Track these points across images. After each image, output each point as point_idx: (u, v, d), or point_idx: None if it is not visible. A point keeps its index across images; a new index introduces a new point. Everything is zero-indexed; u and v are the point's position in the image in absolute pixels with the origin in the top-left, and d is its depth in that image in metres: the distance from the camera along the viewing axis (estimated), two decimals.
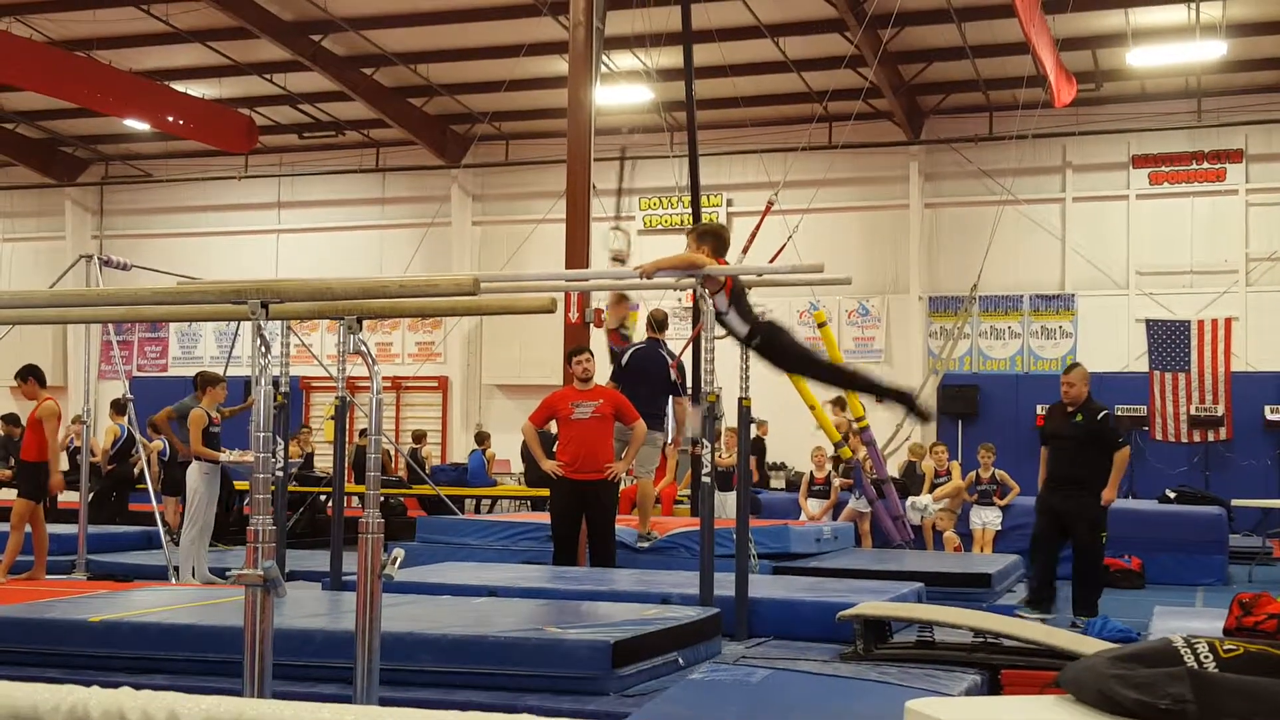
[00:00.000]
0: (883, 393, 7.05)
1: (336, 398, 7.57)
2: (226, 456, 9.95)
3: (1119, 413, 17.29)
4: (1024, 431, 16.46)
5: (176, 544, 9.81)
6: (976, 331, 18.86)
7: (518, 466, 17.94)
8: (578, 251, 10.94)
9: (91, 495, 11.51)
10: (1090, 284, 18.35)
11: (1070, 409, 8.67)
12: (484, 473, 17.11)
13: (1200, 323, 17.68)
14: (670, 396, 9.39)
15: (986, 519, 12.62)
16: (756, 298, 7.07)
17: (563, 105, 11.58)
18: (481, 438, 17.94)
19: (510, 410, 19.43)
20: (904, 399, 6.96)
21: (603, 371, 9.10)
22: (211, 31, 17.00)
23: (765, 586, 7.15)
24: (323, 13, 16.53)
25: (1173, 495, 13.37)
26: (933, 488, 13.12)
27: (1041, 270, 18.59)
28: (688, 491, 12.73)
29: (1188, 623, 6.65)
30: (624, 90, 17.29)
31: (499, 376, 20.55)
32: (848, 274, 7.75)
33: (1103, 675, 3.22)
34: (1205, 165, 18.00)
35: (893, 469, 14.21)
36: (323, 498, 14.56)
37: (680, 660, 5.41)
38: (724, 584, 6.48)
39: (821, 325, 12.78)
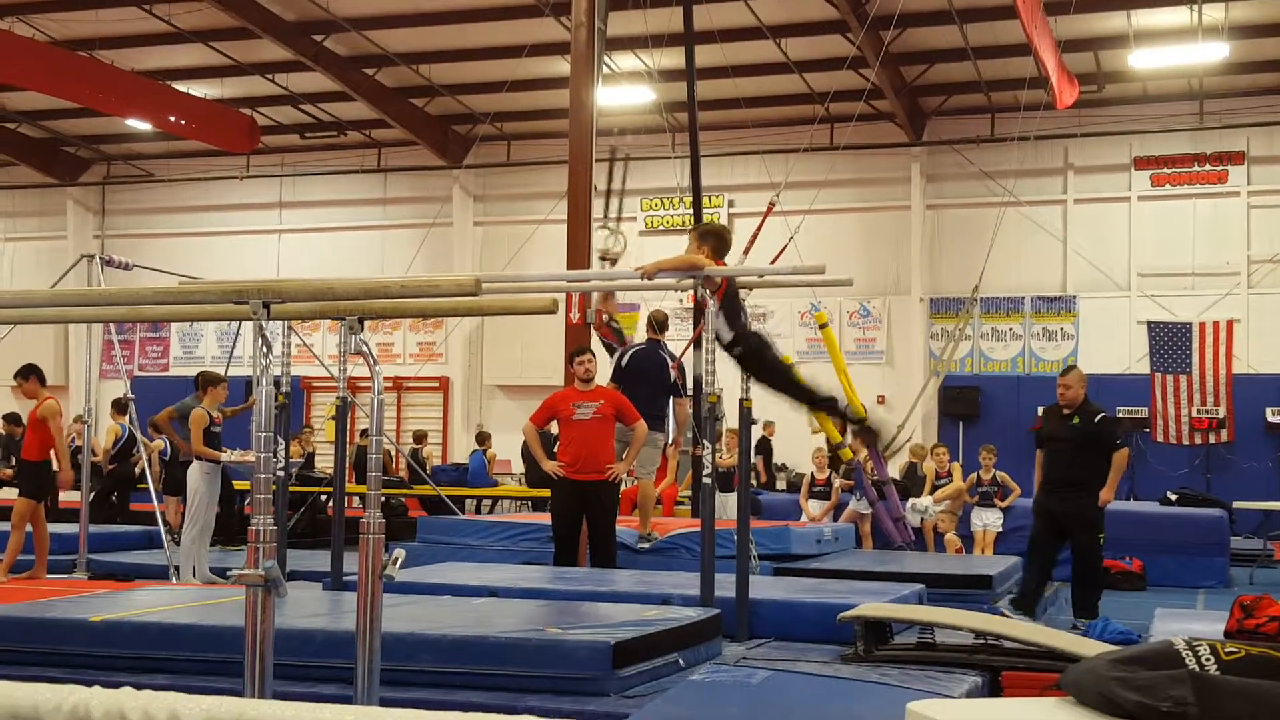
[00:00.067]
0: (843, 419, 7.12)
1: (338, 398, 7.57)
2: (228, 456, 9.95)
3: (1120, 414, 17.33)
4: (1025, 433, 16.42)
5: (177, 544, 9.81)
6: (978, 333, 18.86)
7: (518, 467, 17.95)
8: (579, 252, 10.93)
9: (92, 495, 11.51)
10: (1092, 286, 18.35)
11: (1067, 411, 8.65)
12: (485, 473, 17.11)
13: (1202, 325, 17.68)
14: (670, 397, 9.39)
15: (987, 521, 12.62)
16: (758, 299, 7.10)
17: (564, 106, 11.57)
18: (482, 438, 17.94)
19: (511, 411, 19.43)
20: (858, 425, 7.07)
21: (603, 372, 9.10)
22: (213, 31, 17.00)
23: (766, 588, 7.15)
24: (325, 13, 16.54)
25: (1174, 497, 13.37)
26: (934, 489, 13.12)
27: (1043, 272, 18.59)
28: (688, 492, 12.73)
29: (1189, 625, 6.65)
30: (626, 91, 17.29)
31: (500, 377, 20.55)
32: (849, 275, 7.73)
33: (1104, 677, 3.22)
34: (1207, 167, 17.99)
35: (894, 470, 14.22)
36: (323, 498, 14.55)
37: (681, 661, 5.41)
38: (724, 585, 6.48)
39: (823, 326, 12.79)
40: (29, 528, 9.35)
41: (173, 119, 18.07)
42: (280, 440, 7.40)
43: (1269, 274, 17.71)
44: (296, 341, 9.01)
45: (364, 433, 16.61)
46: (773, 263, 13.43)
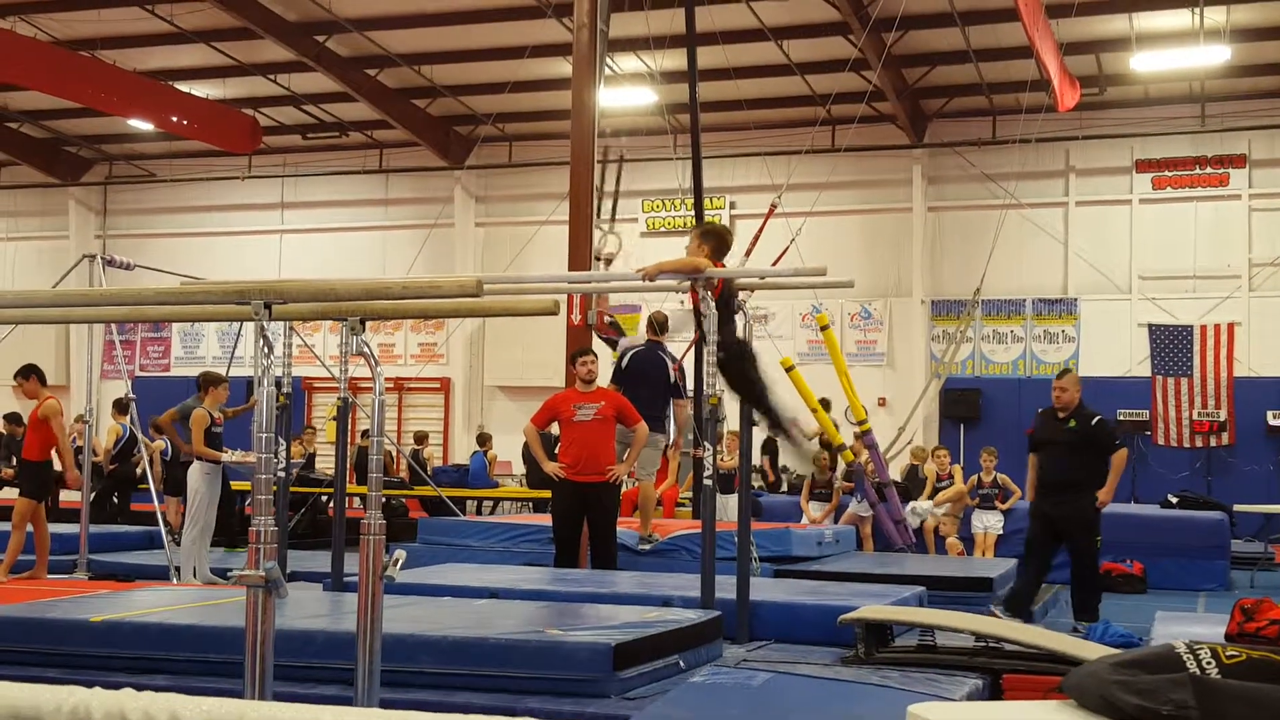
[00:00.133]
0: (790, 440, 7.24)
1: (339, 399, 7.58)
2: (228, 457, 9.96)
3: (1121, 417, 17.32)
4: (1026, 436, 16.43)
5: (178, 544, 9.82)
6: (979, 335, 18.85)
7: (519, 468, 17.95)
8: (581, 254, 10.93)
9: (93, 495, 11.51)
10: (1093, 288, 18.34)
11: (1062, 415, 8.64)
12: (485, 474, 17.12)
13: (1203, 328, 17.67)
14: (670, 399, 9.39)
15: (988, 523, 12.61)
16: (760, 300, 7.11)
17: (566, 107, 11.57)
18: (483, 439, 17.95)
19: (512, 412, 19.42)
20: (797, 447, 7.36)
21: (604, 374, 9.10)
22: (216, 32, 17.01)
23: (766, 590, 7.15)
24: (327, 13, 16.55)
25: (1175, 500, 13.37)
26: (934, 491, 13.12)
27: (1044, 274, 18.59)
28: (689, 494, 12.73)
29: (1189, 628, 6.65)
30: (627, 92, 17.30)
31: (501, 378, 20.55)
32: (850, 277, 7.73)
33: (1105, 681, 3.22)
34: (1208, 170, 17.98)
35: (895, 473, 14.22)
36: (324, 498, 14.55)
37: (681, 663, 5.41)
38: (725, 587, 6.48)
39: (824, 328, 12.78)
40: (30, 528, 9.35)
41: (175, 119, 18.08)
42: (281, 441, 7.41)
43: (1270, 277, 17.70)
44: (298, 342, 9.02)
45: (365, 433, 16.62)
46: (774, 264, 13.47)
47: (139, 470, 13.13)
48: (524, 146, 20.66)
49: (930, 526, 12.83)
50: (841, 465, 12.93)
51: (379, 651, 4.10)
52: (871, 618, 5.97)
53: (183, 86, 18.52)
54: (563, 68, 15.19)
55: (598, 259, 17.56)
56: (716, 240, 6.94)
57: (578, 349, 8.99)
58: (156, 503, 10.99)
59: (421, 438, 18.39)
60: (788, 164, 17.00)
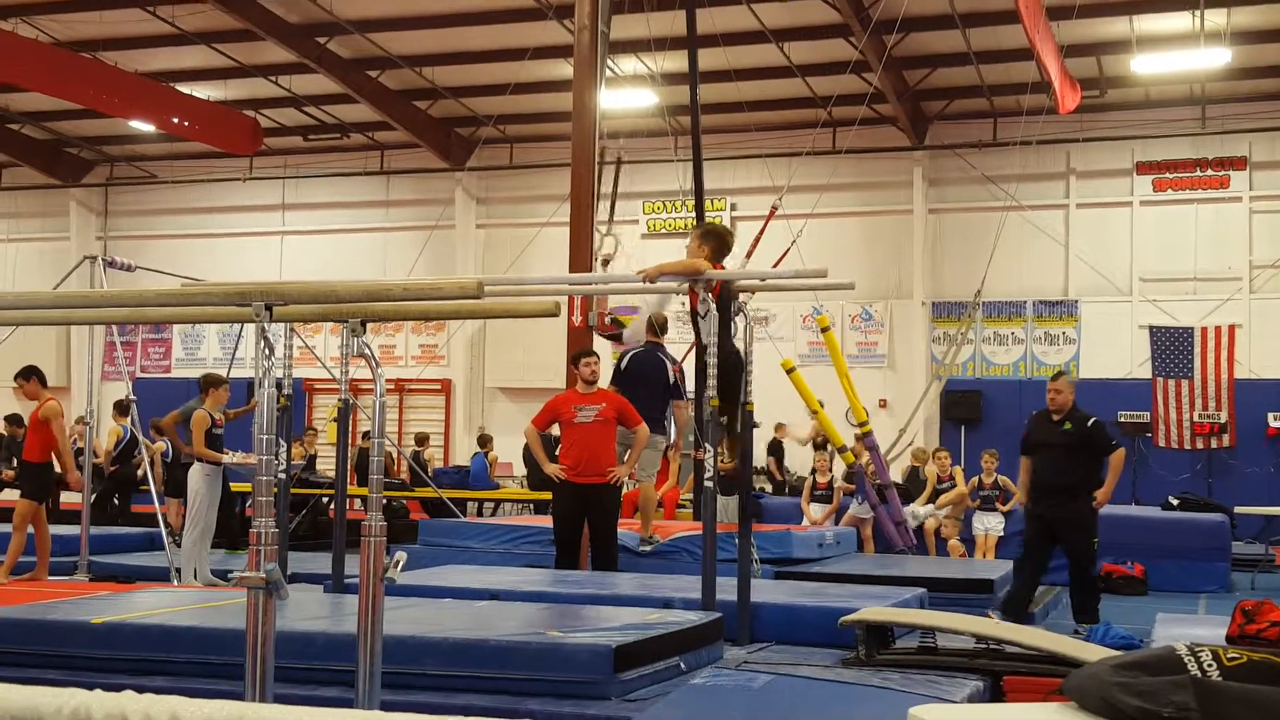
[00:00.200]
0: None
1: (339, 400, 7.58)
2: (229, 459, 9.96)
3: (1122, 419, 17.34)
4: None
5: (179, 546, 9.82)
6: (980, 337, 18.85)
7: (520, 470, 17.95)
8: (581, 255, 10.92)
9: (94, 497, 11.51)
10: (1094, 290, 18.34)
11: (1057, 417, 8.61)
12: (486, 476, 17.12)
13: (1204, 330, 17.68)
14: (670, 400, 9.39)
15: (989, 525, 12.60)
16: (761, 302, 7.12)
17: (567, 109, 11.57)
18: (484, 440, 17.95)
19: (513, 413, 19.43)
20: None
21: (604, 375, 9.09)
22: (217, 33, 17.02)
23: (767, 591, 7.15)
24: (328, 15, 16.56)
25: (1175, 502, 13.36)
26: (935, 493, 13.11)
27: (1045, 276, 18.59)
28: (690, 496, 12.72)
29: (1190, 630, 6.65)
30: (628, 94, 17.30)
31: (502, 379, 20.55)
32: (851, 279, 7.73)
33: (1106, 683, 3.22)
34: (1209, 172, 17.99)
35: (896, 474, 14.21)
36: (325, 500, 14.55)
37: (682, 665, 5.41)
38: (726, 589, 6.48)
39: (825, 330, 12.79)
40: (30, 529, 9.35)
41: (176, 120, 18.09)
42: (282, 442, 7.41)
43: (1271, 279, 17.70)
44: (299, 344, 9.02)
45: (366, 435, 16.62)
46: (775, 266, 13.47)
47: (140, 472, 13.13)
48: (525, 148, 20.67)
49: (931, 528, 12.83)
50: (842, 467, 12.93)
51: (380, 653, 4.10)
52: (872, 619, 5.96)
53: (184, 88, 18.53)
54: (564, 69, 15.20)
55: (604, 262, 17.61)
56: (717, 241, 6.94)
57: (581, 350, 8.98)
58: (157, 504, 10.98)
59: (422, 439, 18.39)
60: (788, 166, 17.01)
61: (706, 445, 6.57)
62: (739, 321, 6.89)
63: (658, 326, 9.49)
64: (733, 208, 19.38)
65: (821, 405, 14.29)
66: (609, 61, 12.74)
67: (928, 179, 18.99)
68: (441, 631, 5.24)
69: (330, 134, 21.03)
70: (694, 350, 11.28)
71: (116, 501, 13.89)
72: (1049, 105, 15.45)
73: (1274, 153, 17.83)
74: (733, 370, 6.66)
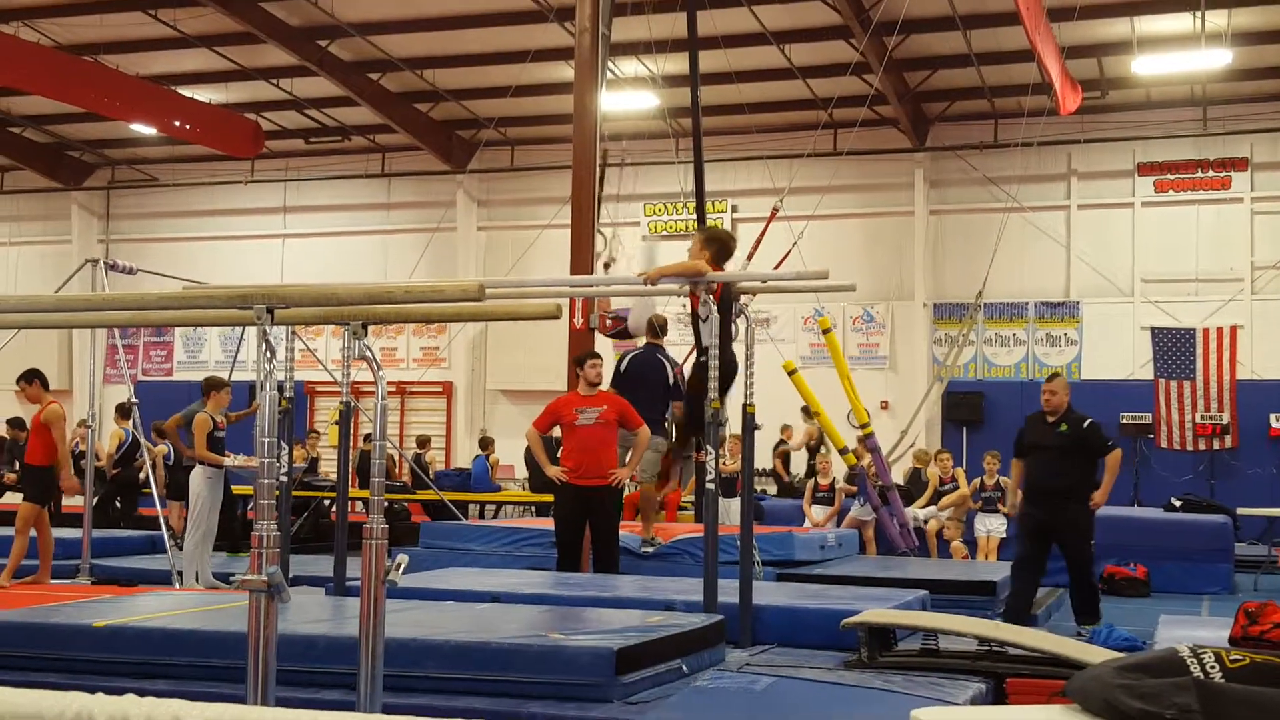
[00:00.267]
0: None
1: (341, 403, 7.58)
2: (231, 461, 9.96)
3: (1123, 421, 17.33)
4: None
5: (180, 549, 9.82)
6: (981, 339, 18.84)
7: (522, 472, 17.95)
8: (583, 257, 10.93)
9: (96, 500, 11.51)
10: (1095, 291, 18.33)
11: (1052, 419, 8.56)
12: (488, 478, 17.12)
13: (1205, 331, 17.67)
14: (670, 402, 9.38)
15: (991, 526, 12.60)
16: (762, 304, 7.12)
17: (568, 111, 11.58)
18: (485, 443, 17.95)
19: (514, 416, 19.43)
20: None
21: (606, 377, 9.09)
22: (218, 36, 17.03)
23: (769, 593, 7.14)
24: (329, 18, 16.56)
25: (1178, 504, 13.34)
26: (937, 495, 13.11)
27: (1046, 277, 18.58)
28: (692, 498, 12.72)
29: (1193, 631, 6.64)
30: (629, 96, 17.30)
31: (503, 382, 20.55)
32: (852, 280, 7.73)
33: (1109, 685, 3.22)
34: (1210, 173, 17.98)
35: (898, 476, 14.20)
36: (327, 503, 14.55)
37: (684, 667, 5.40)
38: (728, 591, 6.47)
39: (826, 332, 12.78)
40: (33, 532, 9.35)
41: (177, 124, 18.10)
42: (284, 445, 7.41)
43: (1272, 280, 17.69)
44: (300, 346, 9.02)
45: (367, 438, 16.62)
46: (776, 268, 13.46)
47: (141, 475, 13.13)
48: (526, 150, 20.67)
49: (933, 530, 12.82)
50: (844, 468, 12.92)
51: (381, 656, 4.09)
52: (874, 621, 5.96)
53: (185, 91, 18.54)
54: (565, 72, 15.21)
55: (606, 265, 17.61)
56: (719, 246, 6.94)
57: (585, 352, 8.97)
58: (159, 507, 10.98)
59: (424, 442, 18.39)
60: (789, 168, 17.01)
61: (708, 447, 6.57)
62: (740, 323, 6.89)
63: (658, 328, 9.49)
64: (734, 209, 19.37)
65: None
66: (610, 64, 12.74)
67: (929, 180, 18.98)
68: (443, 634, 5.23)
69: (331, 137, 21.03)
70: (694, 353, 11.29)
71: (119, 504, 13.88)
72: (1050, 106, 15.45)
73: (1275, 154, 17.82)
74: (728, 377, 6.66)
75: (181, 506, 11.08)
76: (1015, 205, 17.74)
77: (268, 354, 3.83)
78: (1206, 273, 17.90)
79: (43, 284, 21.16)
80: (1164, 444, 17.65)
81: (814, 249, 15.94)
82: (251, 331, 4.79)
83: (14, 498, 12.84)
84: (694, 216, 13.70)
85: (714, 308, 6.49)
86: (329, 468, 16.04)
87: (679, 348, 12.06)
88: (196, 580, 9.44)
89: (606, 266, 12.03)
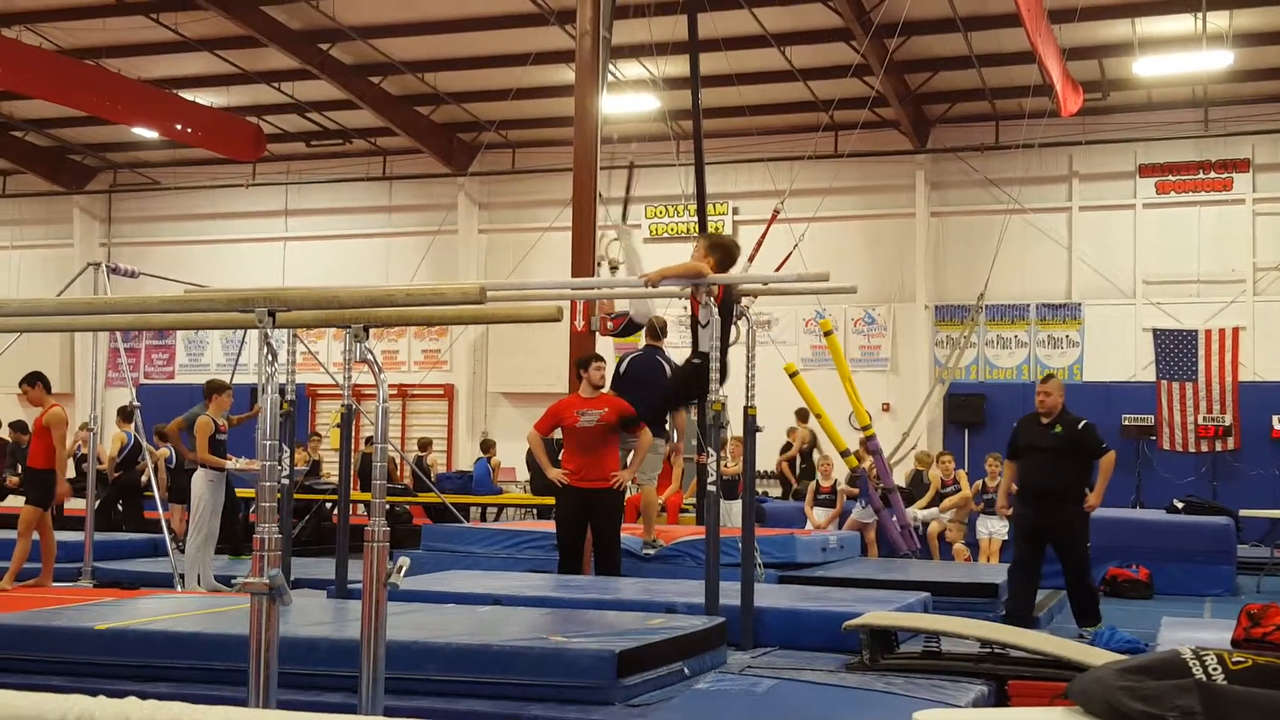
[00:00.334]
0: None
1: (343, 405, 7.58)
2: (232, 464, 9.96)
3: (1126, 422, 17.33)
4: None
5: (182, 552, 9.82)
6: (983, 340, 18.84)
7: (523, 474, 17.94)
8: (584, 260, 10.93)
9: (98, 503, 11.52)
10: (1097, 293, 18.33)
11: (1046, 420, 8.54)
12: (489, 481, 17.11)
13: (1208, 332, 17.66)
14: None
15: (993, 529, 12.58)
16: (763, 306, 7.13)
17: (569, 114, 11.59)
18: (487, 445, 17.95)
19: (516, 418, 19.43)
20: None
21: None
22: (219, 40, 17.05)
23: (771, 596, 7.14)
24: (331, 21, 16.58)
25: (1180, 505, 13.33)
26: (939, 497, 13.10)
27: (1048, 279, 18.58)
28: (693, 500, 12.72)
29: (1195, 633, 6.64)
30: (630, 99, 17.32)
31: (505, 384, 20.55)
32: (853, 282, 7.73)
33: (1111, 687, 3.22)
34: (1212, 175, 17.98)
35: (900, 478, 14.20)
36: (328, 505, 14.56)
37: (686, 670, 5.40)
38: (729, 593, 6.47)
39: (828, 334, 12.79)
40: (36, 535, 9.35)
41: (179, 127, 18.12)
42: (286, 448, 7.41)
43: (1274, 281, 17.68)
44: (302, 349, 9.03)
45: (369, 440, 16.63)
46: (777, 270, 13.45)
47: (143, 478, 13.13)
48: (527, 153, 20.68)
49: (934, 532, 12.81)
50: (845, 471, 12.92)
51: (383, 658, 4.09)
52: (876, 624, 5.96)
53: (187, 94, 18.56)
54: (566, 74, 15.21)
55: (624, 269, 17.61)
56: (723, 253, 6.93)
57: (588, 355, 8.97)
58: (161, 510, 10.98)
59: (425, 444, 18.40)
60: (791, 170, 17.02)
61: (709, 450, 6.57)
62: (741, 325, 6.89)
63: (658, 329, 9.49)
64: (735, 212, 19.38)
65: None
66: (611, 66, 12.76)
67: (930, 182, 18.98)
68: (445, 637, 5.23)
69: (333, 140, 21.05)
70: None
71: (121, 507, 13.89)
72: (1051, 108, 15.45)
73: (1277, 155, 17.81)
74: (712, 379, 6.63)
75: (183, 510, 11.08)
76: (1016, 207, 17.74)
77: (269, 357, 3.83)
78: (1208, 274, 17.90)
79: (44, 287, 21.17)
80: (1166, 446, 17.64)
81: (815, 251, 15.94)
82: (253, 334, 4.79)
83: (16, 501, 12.84)
84: (695, 219, 13.70)
85: (715, 311, 6.49)
86: (331, 470, 16.05)
87: (679, 350, 12.06)
88: (198, 583, 9.44)
89: (614, 269, 12.01)
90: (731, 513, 11.12)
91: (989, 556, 12.39)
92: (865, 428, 11.83)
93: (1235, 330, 17.59)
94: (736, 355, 7.42)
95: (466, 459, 19.79)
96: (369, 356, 4.24)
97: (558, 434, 8.93)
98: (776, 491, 16.70)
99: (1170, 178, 18.15)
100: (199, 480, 9.68)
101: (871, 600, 6.97)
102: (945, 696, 5.11)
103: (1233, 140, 17.80)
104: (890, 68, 16.19)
